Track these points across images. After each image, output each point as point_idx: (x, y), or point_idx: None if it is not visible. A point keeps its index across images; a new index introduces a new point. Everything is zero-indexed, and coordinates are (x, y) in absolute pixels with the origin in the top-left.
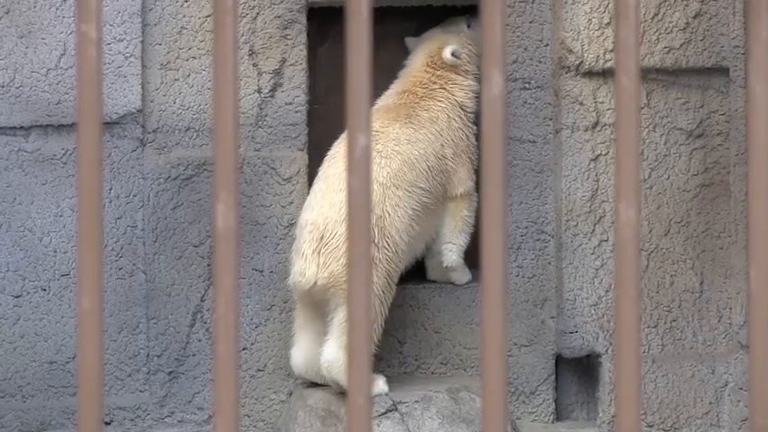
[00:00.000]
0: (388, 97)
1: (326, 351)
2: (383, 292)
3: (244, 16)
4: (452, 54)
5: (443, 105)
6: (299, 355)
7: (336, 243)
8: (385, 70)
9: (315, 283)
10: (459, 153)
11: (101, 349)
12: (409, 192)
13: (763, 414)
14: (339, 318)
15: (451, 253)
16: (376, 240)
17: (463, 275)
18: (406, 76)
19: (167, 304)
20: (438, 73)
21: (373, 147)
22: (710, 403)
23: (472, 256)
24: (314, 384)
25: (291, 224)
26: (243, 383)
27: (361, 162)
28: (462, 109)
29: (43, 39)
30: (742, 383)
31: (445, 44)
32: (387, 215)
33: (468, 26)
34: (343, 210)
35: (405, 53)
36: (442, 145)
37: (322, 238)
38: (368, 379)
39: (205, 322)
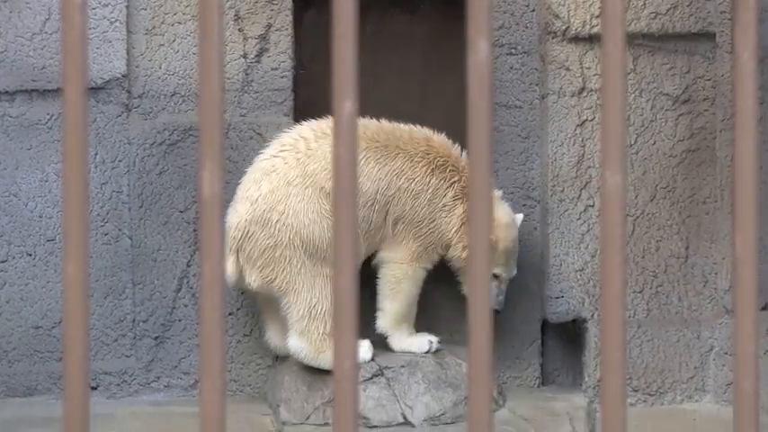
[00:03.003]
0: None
1: (290, 342)
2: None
3: None
4: None
5: (429, 180)
6: (274, 337)
7: (254, 244)
8: (371, 37)
9: (249, 286)
10: (410, 223)
11: (87, 315)
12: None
13: (748, 379)
14: (289, 312)
15: (379, 319)
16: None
17: (409, 343)
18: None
19: (153, 270)
20: (450, 175)
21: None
22: (696, 368)
23: None
24: None
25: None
26: (229, 348)
27: (347, 130)
28: (437, 198)
29: (27, 3)
30: (727, 348)
31: None
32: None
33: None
34: (255, 208)
35: (388, 21)
36: (399, 203)
37: (241, 238)
38: (354, 344)
39: (191, 287)
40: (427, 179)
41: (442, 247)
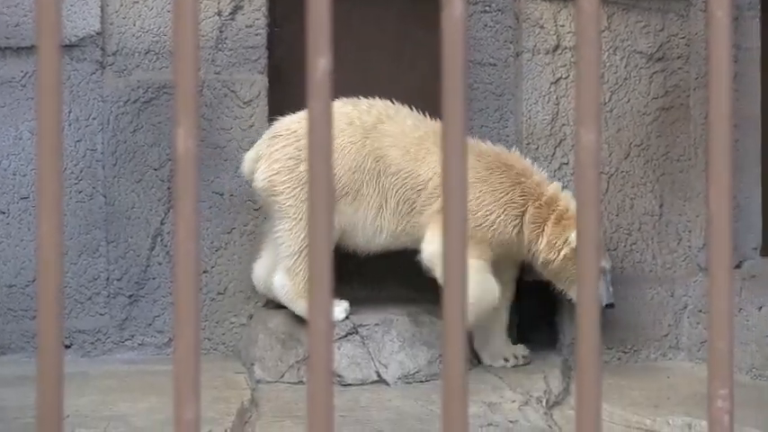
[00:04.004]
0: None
1: (275, 278)
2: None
3: None
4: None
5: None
6: (260, 270)
7: (284, 147)
8: None
9: (255, 181)
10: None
11: (61, 273)
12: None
13: (722, 337)
14: (281, 245)
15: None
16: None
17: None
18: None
19: (127, 227)
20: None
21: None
22: (669, 325)
23: None
24: (276, 307)
25: (252, 147)
26: (203, 307)
27: (321, 85)
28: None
29: None
30: (701, 306)
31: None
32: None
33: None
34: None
35: None
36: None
37: (273, 137)
38: (328, 303)
39: (165, 245)
40: (487, 173)
41: (497, 247)
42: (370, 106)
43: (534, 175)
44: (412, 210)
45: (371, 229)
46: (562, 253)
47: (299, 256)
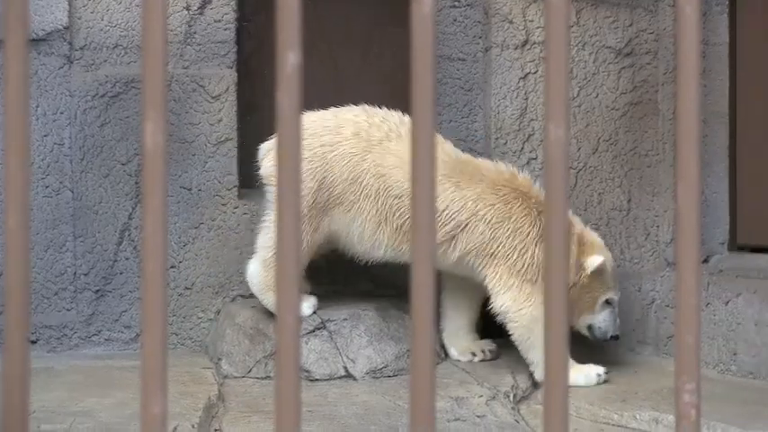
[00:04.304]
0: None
1: (251, 264)
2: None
3: None
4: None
5: (510, 209)
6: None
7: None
8: None
9: (260, 171)
10: (493, 256)
11: (27, 268)
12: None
13: (689, 331)
14: (260, 233)
15: (536, 374)
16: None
17: (573, 378)
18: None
19: (94, 222)
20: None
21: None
22: (637, 320)
23: None
24: (245, 301)
25: (220, 142)
26: (171, 302)
27: (291, 80)
28: (522, 228)
29: None
30: (668, 301)
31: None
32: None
33: (608, 302)
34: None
35: None
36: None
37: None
38: (297, 297)
39: (133, 240)
40: (507, 208)
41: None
42: (383, 120)
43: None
44: None
45: (370, 241)
46: (579, 278)
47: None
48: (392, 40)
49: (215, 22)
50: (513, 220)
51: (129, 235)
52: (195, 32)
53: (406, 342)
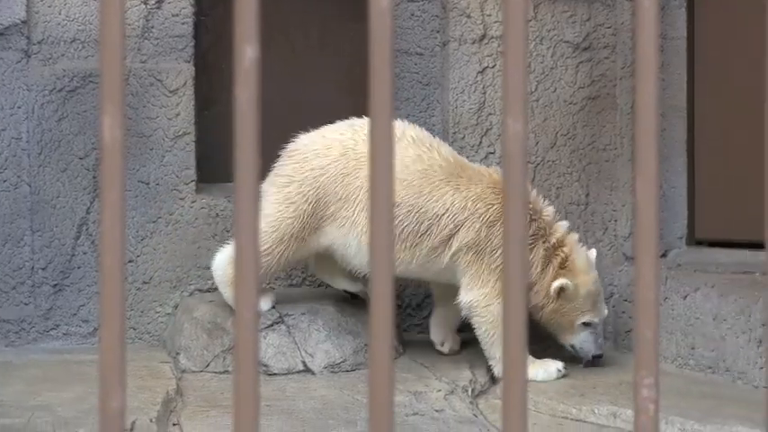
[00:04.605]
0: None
1: (219, 254)
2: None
3: None
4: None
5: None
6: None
7: (280, 166)
8: None
9: None
10: (482, 252)
11: None
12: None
13: (648, 326)
14: (234, 226)
15: (494, 368)
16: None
17: (533, 373)
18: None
19: (52, 217)
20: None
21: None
22: None
23: None
24: (204, 294)
25: (178, 136)
26: (128, 296)
27: (249, 74)
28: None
29: None
30: (627, 295)
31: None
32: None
33: (587, 324)
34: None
35: None
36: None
37: (285, 155)
38: (254, 294)
39: (90, 235)
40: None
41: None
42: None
43: (544, 211)
44: (419, 243)
45: (368, 254)
46: (552, 300)
47: None
48: (350, 34)
49: (172, 16)
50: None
51: (86, 229)
52: (153, 27)
53: (364, 336)
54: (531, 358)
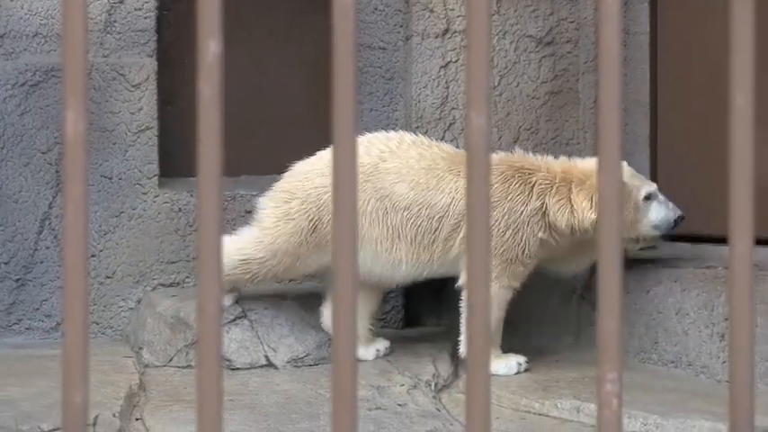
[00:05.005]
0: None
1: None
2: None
3: None
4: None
5: (507, 188)
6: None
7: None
8: None
9: None
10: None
11: None
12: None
13: (611, 320)
14: (247, 237)
15: (463, 345)
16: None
17: (495, 366)
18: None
19: (15, 211)
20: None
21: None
22: (558, 309)
23: None
24: (167, 289)
25: (140, 131)
26: (91, 291)
27: (212, 68)
28: (516, 206)
29: None
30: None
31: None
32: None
33: (647, 197)
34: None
35: None
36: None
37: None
38: (218, 288)
39: (53, 229)
40: (505, 187)
41: (527, 258)
42: (369, 144)
43: (541, 164)
44: (435, 239)
45: (388, 263)
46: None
47: (246, 261)
48: (313, 28)
49: (135, 10)
50: (509, 198)
51: (49, 224)
52: (115, 21)
53: (327, 331)
54: (497, 352)
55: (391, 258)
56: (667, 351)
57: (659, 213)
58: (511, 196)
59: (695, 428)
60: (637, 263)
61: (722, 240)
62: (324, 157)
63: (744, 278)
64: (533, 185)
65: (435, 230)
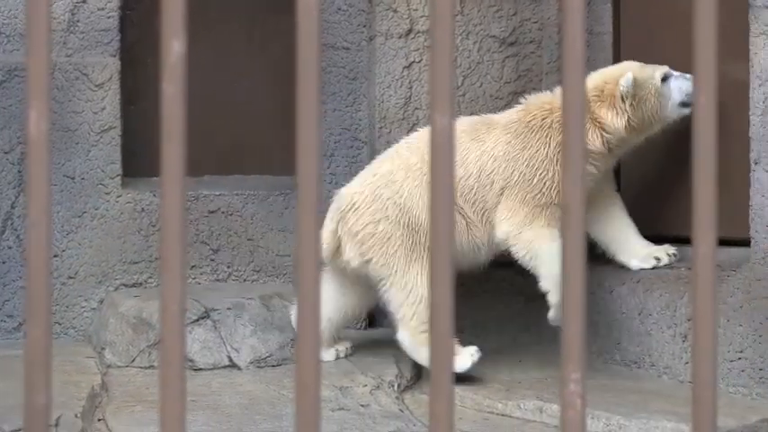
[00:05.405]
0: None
1: (398, 334)
2: None
3: None
4: (624, 84)
5: (525, 139)
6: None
7: (358, 217)
8: None
9: (348, 263)
10: (514, 186)
11: None
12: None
13: (575, 321)
14: (389, 300)
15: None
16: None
17: None
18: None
19: None
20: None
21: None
22: (521, 309)
23: None
24: (129, 289)
25: (103, 130)
26: (54, 291)
27: (176, 68)
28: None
29: None
30: None
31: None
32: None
33: (664, 79)
34: (370, 183)
35: None
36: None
37: (346, 209)
38: (180, 287)
39: (16, 229)
40: (519, 140)
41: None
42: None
43: (554, 98)
44: (487, 216)
45: (469, 251)
46: (626, 111)
47: (406, 302)
48: (277, 28)
49: (98, 10)
50: (527, 148)
51: (11, 224)
52: (78, 20)
53: (290, 331)
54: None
55: (472, 245)
56: (630, 351)
57: (681, 87)
58: (529, 144)
59: (658, 429)
60: (599, 263)
61: (685, 241)
62: (374, 174)
63: (707, 279)
64: (549, 126)
65: (485, 209)
